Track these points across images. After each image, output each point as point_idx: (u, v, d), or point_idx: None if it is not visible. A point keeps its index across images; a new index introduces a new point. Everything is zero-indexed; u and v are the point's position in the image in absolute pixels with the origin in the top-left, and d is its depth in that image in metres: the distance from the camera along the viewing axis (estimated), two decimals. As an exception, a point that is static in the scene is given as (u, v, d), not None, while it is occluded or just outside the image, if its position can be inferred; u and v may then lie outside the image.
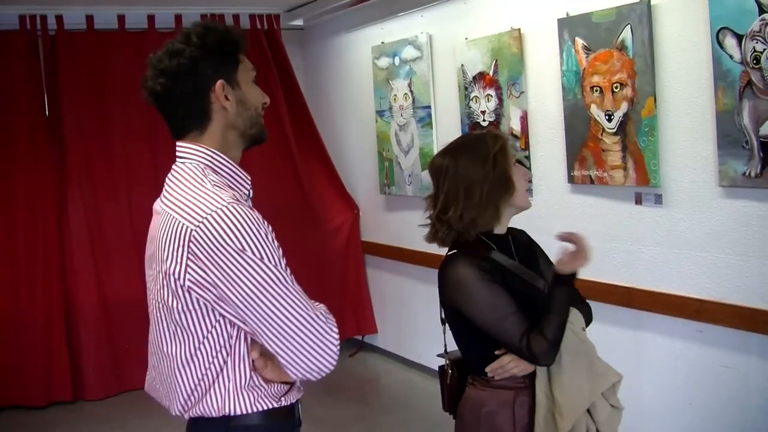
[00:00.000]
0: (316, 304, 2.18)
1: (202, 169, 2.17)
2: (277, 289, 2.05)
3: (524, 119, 4.96)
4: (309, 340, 2.08)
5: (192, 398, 2.20)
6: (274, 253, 2.05)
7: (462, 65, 5.42)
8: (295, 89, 7.04)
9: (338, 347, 2.13)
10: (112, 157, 6.29)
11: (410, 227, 6.26)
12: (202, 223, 2.03)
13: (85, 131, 6.28)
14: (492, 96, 5.18)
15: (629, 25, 4.11)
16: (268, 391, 2.21)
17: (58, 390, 6.15)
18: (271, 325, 2.06)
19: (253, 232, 2.03)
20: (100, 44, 6.29)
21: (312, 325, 2.08)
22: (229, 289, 2.05)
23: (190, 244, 2.04)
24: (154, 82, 2.16)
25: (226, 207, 2.04)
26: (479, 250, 2.75)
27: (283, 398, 2.25)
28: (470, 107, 5.38)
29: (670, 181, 4.09)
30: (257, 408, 2.20)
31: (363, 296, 7.13)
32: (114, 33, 6.32)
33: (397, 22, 6.15)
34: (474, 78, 5.32)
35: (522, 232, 2.96)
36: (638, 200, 4.27)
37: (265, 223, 2.08)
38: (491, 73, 5.17)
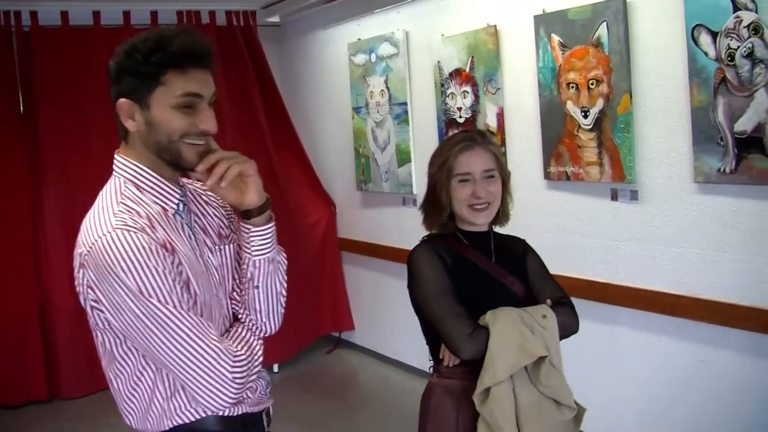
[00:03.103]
0: (239, 335, 2.15)
1: (123, 184, 2.10)
2: (156, 323, 1.96)
3: (500, 116, 4.97)
4: (197, 374, 2.00)
5: (134, 415, 2.17)
6: (156, 285, 1.95)
7: (438, 62, 5.42)
8: (272, 86, 7.02)
9: (234, 383, 2.03)
10: (88, 155, 6.22)
11: (387, 224, 6.29)
12: (91, 247, 1.97)
13: (61, 129, 6.21)
14: (468, 92, 5.19)
15: (605, 22, 4.12)
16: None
17: (34, 389, 6.10)
18: (158, 355, 2.01)
19: (133, 263, 1.93)
20: (75, 41, 6.22)
21: (200, 361, 1.99)
22: (113, 317, 2.01)
23: (81, 268, 2.01)
24: None
25: (110, 233, 1.96)
26: (447, 240, 2.81)
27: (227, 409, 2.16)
28: (446, 104, 5.39)
29: (646, 177, 4.11)
30: (205, 414, 2.13)
31: (339, 293, 7.13)
32: (89, 29, 6.25)
33: (374, 19, 6.14)
34: (450, 74, 5.33)
35: (518, 241, 2.98)
36: (614, 196, 4.29)
37: (154, 251, 1.96)
38: (467, 70, 5.18)
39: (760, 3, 3.41)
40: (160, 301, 1.95)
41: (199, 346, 1.99)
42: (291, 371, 6.64)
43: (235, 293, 2.27)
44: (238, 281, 2.27)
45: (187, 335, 1.98)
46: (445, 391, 2.78)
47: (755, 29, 3.45)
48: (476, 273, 2.78)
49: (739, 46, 3.52)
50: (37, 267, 6.15)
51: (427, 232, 2.91)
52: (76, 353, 6.12)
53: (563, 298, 2.85)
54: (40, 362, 6.09)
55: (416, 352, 5.93)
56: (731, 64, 3.57)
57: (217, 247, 2.25)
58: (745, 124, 3.57)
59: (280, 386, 6.34)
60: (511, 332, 2.61)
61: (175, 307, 1.96)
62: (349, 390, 6.44)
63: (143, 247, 1.95)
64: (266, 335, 2.29)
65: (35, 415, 6.00)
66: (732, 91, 3.59)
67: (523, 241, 2.99)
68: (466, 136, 2.84)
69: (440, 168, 2.78)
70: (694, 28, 3.70)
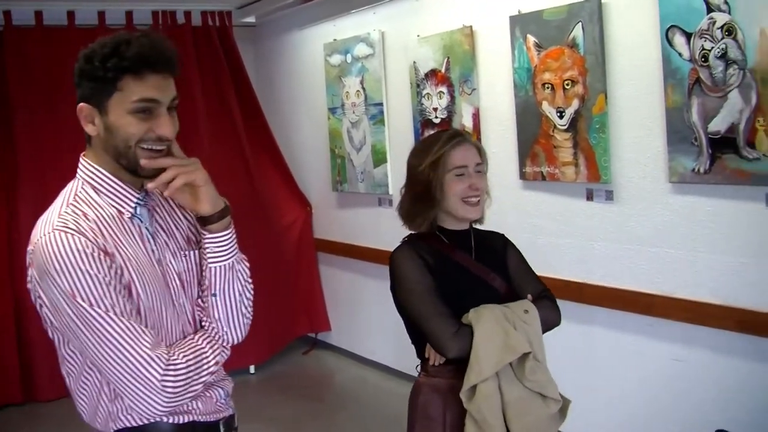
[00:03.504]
0: (190, 343, 2.14)
1: (81, 186, 2.11)
2: (87, 326, 1.97)
3: (476, 116, 4.98)
4: (126, 380, 2.00)
5: (85, 413, 2.19)
6: (88, 289, 1.95)
7: (414, 62, 5.42)
8: (247, 86, 7.00)
9: (164, 392, 2.01)
10: (63, 155, 6.15)
11: (363, 224, 6.29)
12: (35, 246, 2.00)
13: (36, 129, 6.15)
14: (444, 93, 5.20)
15: (580, 23, 4.14)
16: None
17: (9, 392, 6.05)
18: (92, 358, 2.02)
19: (66, 265, 1.94)
20: (49, 41, 6.17)
21: (128, 367, 1.98)
22: (53, 316, 2.04)
23: (29, 266, 2.04)
24: None
25: (49, 234, 1.97)
26: (428, 240, 2.83)
27: (172, 417, 2.15)
28: (422, 104, 5.39)
29: (621, 177, 4.13)
30: (149, 420, 2.13)
31: (316, 294, 7.11)
32: (64, 29, 6.21)
33: (350, 19, 6.14)
34: (426, 75, 5.33)
35: (497, 237, 3.00)
36: (589, 196, 4.31)
37: (89, 255, 1.96)
38: (443, 70, 5.18)
39: (733, 4, 3.44)
40: (91, 305, 1.95)
41: (128, 352, 1.98)
42: (267, 372, 6.63)
43: (200, 300, 2.25)
44: (202, 288, 2.26)
45: (116, 340, 1.97)
46: (432, 390, 2.80)
47: (728, 30, 3.47)
48: (458, 271, 2.80)
49: (712, 47, 3.54)
50: (11, 268, 6.09)
51: (407, 233, 2.92)
52: (51, 355, 6.03)
53: (544, 292, 2.89)
54: (15, 364, 6.05)
55: (393, 352, 5.94)
56: (705, 64, 3.59)
57: (182, 252, 2.23)
58: (719, 124, 3.59)
59: (256, 388, 6.33)
60: (494, 329, 2.64)
61: (106, 311, 1.96)
62: (326, 391, 6.44)
63: (78, 250, 1.96)
64: (230, 345, 2.26)
65: (10, 417, 5.96)
66: (706, 92, 3.62)
67: (503, 236, 3.01)
68: (454, 133, 2.89)
69: (433, 164, 2.78)
70: (668, 29, 3.72)
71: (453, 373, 2.73)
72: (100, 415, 2.14)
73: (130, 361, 1.98)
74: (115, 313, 1.97)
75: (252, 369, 6.59)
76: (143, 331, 2.01)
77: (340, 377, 6.64)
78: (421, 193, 2.82)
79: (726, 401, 3.79)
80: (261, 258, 6.37)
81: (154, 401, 2.02)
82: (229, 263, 2.21)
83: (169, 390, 2.02)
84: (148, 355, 1.99)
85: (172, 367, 2.03)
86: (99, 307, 1.96)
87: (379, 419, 5.42)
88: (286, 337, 6.97)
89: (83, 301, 1.95)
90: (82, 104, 2.06)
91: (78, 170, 2.15)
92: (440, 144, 2.81)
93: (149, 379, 2.00)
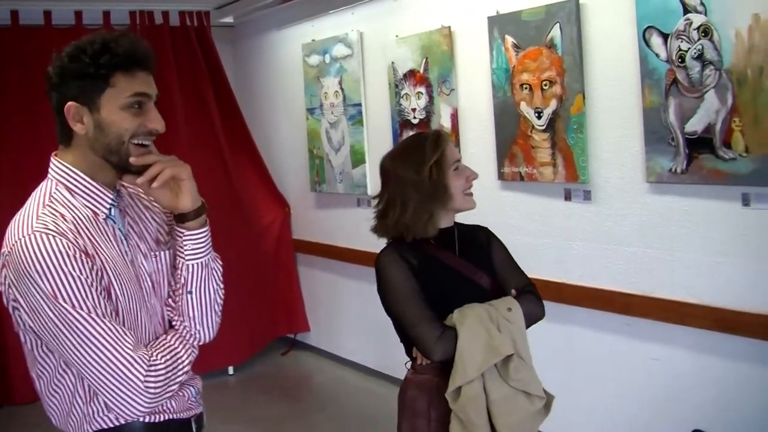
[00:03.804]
0: (165, 343, 2.15)
1: (54, 186, 2.10)
2: (69, 328, 1.96)
3: (454, 117, 4.99)
4: (108, 381, 1.99)
5: (56, 417, 2.17)
6: (71, 290, 1.95)
7: (392, 63, 5.43)
8: (225, 87, 6.98)
9: (147, 392, 2.02)
10: (39, 156, 6.05)
11: (341, 225, 6.29)
12: (12, 248, 1.98)
13: (14, 131, 6.11)
14: (422, 93, 5.20)
15: (558, 24, 4.15)
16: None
17: (-16, 395, 6.00)
18: (72, 360, 2.01)
19: (49, 267, 1.94)
20: (25, 41, 6.13)
21: (111, 368, 1.98)
22: (30, 319, 2.01)
23: (3, 268, 2.02)
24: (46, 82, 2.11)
25: (29, 236, 1.96)
26: (414, 241, 2.83)
27: (148, 416, 2.16)
28: (401, 105, 5.39)
29: (599, 177, 4.14)
30: (125, 421, 2.12)
31: (294, 294, 7.10)
32: (40, 29, 6.18)
33: (328, 20, 6.13)
34: (404, 75, 5.34)
35: (481, 230, 3.02)
36: (567, 196, 4.33)
37: (71, 256, 1.96)
38: (422, 71, 5.19)
39: (710, 5, 3.46)
40: (74, 307, 1.95)
41: (111, 353, 1.98)
42: (246, 373, 6.61)
43: (170, 300, 2.26)
44: (173, 288, 2.27)
45: (99, 342, 1.97)
46: (418, 387, 2.83)
47: (705, 31, 3.49)
48: (443, 271, 2.82)
49: (689, 48, 3.56)
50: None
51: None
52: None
53: (528, 286, 2.92)
54: (-10, 367, 6.00)
55: (372, 353, 5.93)
56: (682, 65, 3.61)
57: (152, 253, 2.24)
58: (695, 124, 3.61)
59: (235, 389, 6.32)
60: (478, 331, 2.66)
61: (89, 313, 1.96)
62: (305, 391, 6.42)
63: (60, 252, 1.95)
64: (201, 343, 2.29)
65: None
66: (683, 92, 3.64)
67: (486, 229, 3.03)
68: (435, 132, 2.94)
69: (437, 163, 2.79)
70: (645, 30, 3.74)
71: (438, 372, 2.75)
72: (74, 418, 2.13)
73: (113, 362, 1.98)
74: (97, 315, 1.97)
75: (231, 370, 6.57)
76: (125, 333, 2.01)
77: (319, 378, 6.62)
78: (431, 195, 2.79)
79: (703, 400, 3.81)
80: (239, 259, 6.41)
81: (137, 402, 2.02)
82: (205, 260, 2.24)
83: (152, 390, 2.03)
84: (132, 357, 2.00)
85: (153, 368, 2.04)
86: (82, 309, 1.96)
87: (358, 419, 5.41)
88: (265, 338, 6.95)
89: (65, 302, 1.94)
90: (70, 103, 2.05)
91: (50, 171, 2.14)
92: (433, 143, 2.82)
93: (132, 381, 2.00)
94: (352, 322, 6.32)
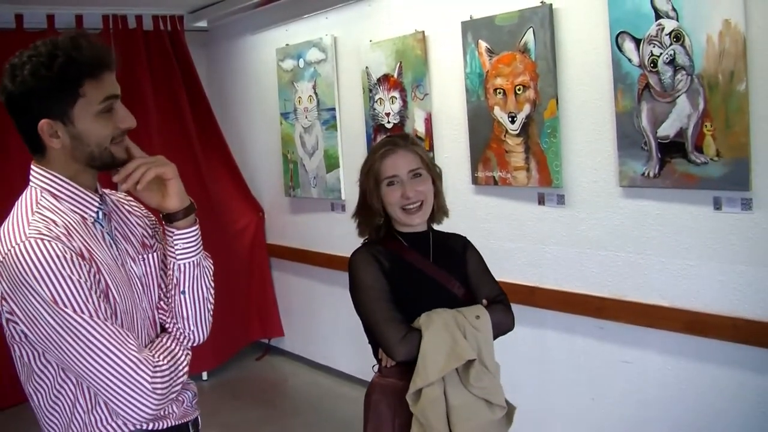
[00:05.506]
0: (163, 345, 2.14)
1: (39, 193, 2.06)
2: (72, 333, 1.92)
3: (428, 121, 5.00)
4: (115, 386, 1.96)
5: (56, 430, 2.13)
6: (71, 295, 1.91)
7: (366, 67, 5.43)
8: (199, 91, 6.95)
9: (154, 394, 2.00)
10: (9, 163, 5.99)
11: (315, 229, 6.28)
12: (4, 257, 1.93)
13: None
14: (396, 98, 5.21)
15: (532, 28, 4.17)
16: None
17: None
18: (75, 367, 1.96)
19: (47, 272, 1.89)
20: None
21: (117, 372, 1.95)
22: (28, 329, 1.96)
23: None
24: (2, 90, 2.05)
25: (23, 243, 1.91)
26: (386, 243, 2.87)
27: (152, 423, 2.14)
28: (375, 109, 5.40)
29: (572, 181, 4.17)
30: (127, 428, 2.10)
31: (269, 299, 7.08)
32: (11, 32, 6.12)
33: (302, 24, 6.13)
34: (378, 80, 5.34)
35: (458, 238, 3.04)
36: (541, 201, 4.34)
37: (69, 260, 1.92)
38: (395, 75, 5.20)
39: (681, 11, 3.49)
40: (75, 311, 1.91)
41: (117, 357, 1.95)
42: (220, 378, 6.59)
43: (162, 302, 2.25)
44: (164, 290, 2.25)
45: (104, 345, 1.94)
46: (383, 390, 2.85)
47: (676, 37, 3.52)
48: (414, 274, 2.83)
49: (661, 53, 3.59)
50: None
51: (361, 238, 2.95)
52: (4, 362, 5.92)
53: (499, 296, 2.92)
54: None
55: (347, 357, 5.93)
56: (654, 70, 3.64)
57: (140, 257, 2.22)
58: (667, 129, 3.64)
59: (209, 394, 6.29)
60: (442, 335, 2.67)
61: (90, 317, 1.93)
62: (280, 396, 6.41)
63: (57, 256, 1.91)
64: (194, 344, 2.27)
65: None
66: (655, 97, 3.67)
67: (464, 238, 3.04)
68: (388, 141, 2.92)
69: (367, 175, 2.86)
70: (618, 35, 3.76)
71: (402, 375, 2.76)
72: (75, 429, 2.10)
73: (119, 366, 1.95)
74: (99, 318, 1.94)
75: (204, 375, 6.55)
76: (128, 335, 1.99)
77: (293, 382, 6.62)
78: (363, 203, 2.89)
79: (674, 402, 3.84)
80: (213, 264, 6.38)
81: (146, 404, 1.99)
82: (196, 259, 2.23)
83: (159, 392, 2.01)
84: (137, 359, 1.97)
85: (158, 370, 2.02)
86: (83, 313, 1.92)
87: (332, 424, 5.41)
88: (239, 343, 6.93)
89: (66, 307, 1.90)
90: (43, 121, 1.99)
91: (32, 178, 2.10)
92: (373, 155, 2.87)
93: (140, 383, 1.98)
94: (326, 326, 6.32)
